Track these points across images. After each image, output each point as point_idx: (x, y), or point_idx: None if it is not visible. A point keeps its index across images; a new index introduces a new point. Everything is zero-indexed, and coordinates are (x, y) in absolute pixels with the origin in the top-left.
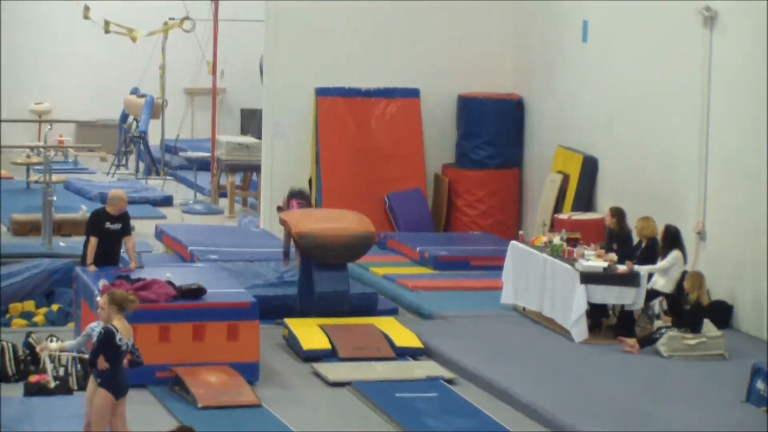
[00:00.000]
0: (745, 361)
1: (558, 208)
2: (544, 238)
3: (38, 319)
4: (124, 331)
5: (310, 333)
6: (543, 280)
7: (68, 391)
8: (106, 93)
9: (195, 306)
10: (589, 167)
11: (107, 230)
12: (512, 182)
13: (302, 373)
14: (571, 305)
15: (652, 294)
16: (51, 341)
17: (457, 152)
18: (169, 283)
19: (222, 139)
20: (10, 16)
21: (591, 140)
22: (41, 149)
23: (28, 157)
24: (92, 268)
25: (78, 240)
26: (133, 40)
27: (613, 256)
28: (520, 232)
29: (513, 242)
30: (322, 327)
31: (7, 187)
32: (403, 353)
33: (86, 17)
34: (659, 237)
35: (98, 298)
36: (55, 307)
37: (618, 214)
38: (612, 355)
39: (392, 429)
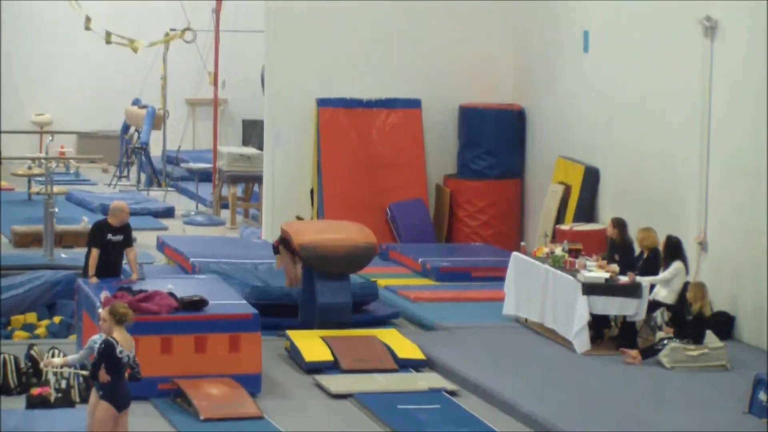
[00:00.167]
0: (747, 372)
1: (560, 218)
2: (546, 249)
3: (40, 331)
4: (125, 343)
5: (312, 344)
6: (545, 291)
7: (70, 404)
8: (107, 104)
9: (197, 318)
10: (591, 178)
11: (109, 242)
12: (514, 193)
13: (304, 384)
14: (573, 316)
15: (653, 305)
16: (53, 354)
17: (458, 162)
18: (171, 294)
19: (224, 150)
20: (12, 27)
21: (592, 151)
22: (43, 160)
23: (30, 168)
24: (94, 279)
25: (79, 251)
26: (135, 50)
27: (615, 267)
28: (522, 243)
29: (515, 253)
30: (324, 338)
31: (8, 198)
32: (405, 365)
33: (87, 28)
34: (661, 247)
35: (100, 310)
36: (56, 319)
37: (619, 224)
38: (614, 366)
39: None
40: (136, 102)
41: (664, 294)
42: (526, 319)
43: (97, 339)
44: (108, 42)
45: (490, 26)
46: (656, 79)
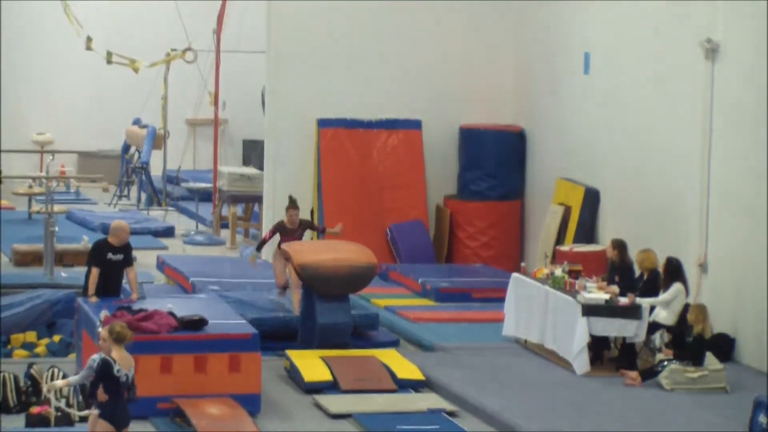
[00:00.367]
0: (747, 394)
1: (560, 239)
2: (546, 270)
3: (40, 349)
4: (123, 362)
5: (311, 364)
6: (545, 312)
7: (69, 423)
8: (108, 124)
9: (196, 337)
10: (591, 199)
11: (109, 261)
12: (514, 214)
13: (303, 404)
14: (572, 337)
15: (653, 326)
16: (52, 373)
17: (458, 183)
18: (171, 314)
19: (224, 170)
20: (13, 46)
21: (593, 172)
22: (43, 180)
23: (30, 187)
24: (94, 299)
25: (80, 270)
26: (135, 70)
27: (615, 288)
28: (522, 264)
29: (515, 274)
30: (323, 358)
31: (8, 217)
32: (405, 385)
33: (89, 48)
34: (661, 269)
35: (100, 330)
36: (56, 337)
37: (619, 246)
38: (614, 387)
39: None
40: (136, 122)
41: (664, 315)
42: (525, 340)
43: (96, 358)
44: (109, 62)
45: (491, 47)
46: (657, 101)
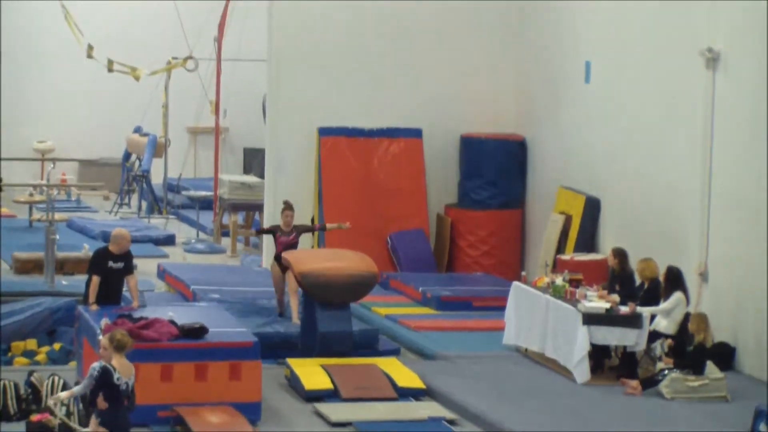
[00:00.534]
0: (748, 404)
1: (560, 248)
2: (547, 279)
3: (40, 357)
4: (123, 370)
5: (312, 373)
6: (545, 320)
7: (70, 431)
8: (108, 132)
9: (197, 345)
10: (592, 208)
11: (110, 269)
12: (515, 222)
13: (304, 412)
14: (573, 346)
15: (654, 335)
16: (53, 381)
17: (459, 192)
18: (172, 322)
19: (225, 178)
20: (14, 54)
21: (593, 181)
22: (44, 188)
23: (31, 195)
24: (94, 307)
25: (80, 278)
26: (136, 78)
27: (616, 297)
28: (523, 273)
29: (515, 283)
30: (324, 367)
31: (9, 225)
32: (405, 393)
33: (90, 56)
34: (661, 278)
35: (100, 338)
36: (57, 345)
37: (620, 254)
38: (614, 396)
39: None
40: (137, 130)
41: (665, 324)
42: (526, 349)
43: (96, 366)
44: (110, 70)
45: (492, 56)
46: (658, 110)
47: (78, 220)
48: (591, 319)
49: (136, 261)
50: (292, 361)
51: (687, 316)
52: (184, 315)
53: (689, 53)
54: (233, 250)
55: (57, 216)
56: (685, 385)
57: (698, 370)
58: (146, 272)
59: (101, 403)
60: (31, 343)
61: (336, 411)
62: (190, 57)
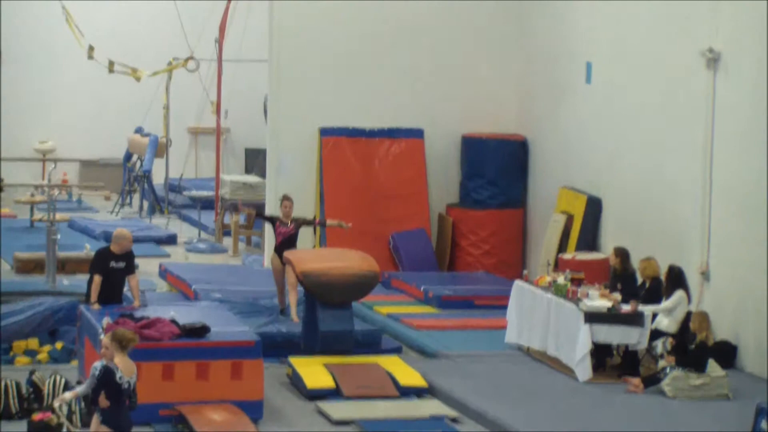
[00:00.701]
0: (749, 402)
1: (562, 247)
2: (548, 278)
3: (42, 356)
4: (125, 369)
5: (314, 371)
6: (547, 319)
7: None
8: (110, 132)
9: (199, 344)
10: (593, 207)
11: (111, 269)
12: (516, 222)
13: (306, 411)
14: (575, 345)
15: (655, 334)
16: (54, 380)
17: (461, 192)
18: (173, 321)
19: (226, 178)
20: (15, 55)
21: (595, 180)
22: (45, 188)
23: (32, 195)
24: (96, 306)
25: (81, 278)
26: (137, 79)
27: (618, 295)
28: (524, 272)
29: (517, 282)
30: (326, 366)
31: (11, 225)
32: (408, 392)
33: (91, 57)
34: (663, 277)
35: (102, 337)
36: (58, 345)
37: (622, 254)
38: (616, 394)
39: None
40: (138, 130)
41: (666, 323)
42: (528, 348)
43: (98, 366)
44: (111, 71)
45: (493, 56)
46: (659, 110)
47: (79, 220)
48: (593, 317)
49: (137, 261)
50: (294, 360)
51: (688, 314)
52: (185, 314)
53: (690, 53)
54: (235, 250)
55: (58, 216)
56: (687, 383)
57: (700, 368)
58: (148, 272)
59: (103, 401)
60: (33, 343)
61: (338, 409)
62: (191, 58)
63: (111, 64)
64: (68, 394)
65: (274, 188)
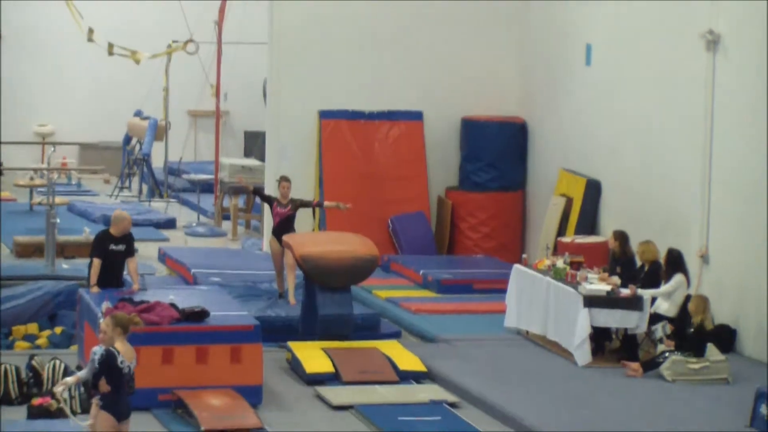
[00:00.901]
0: (749, 386)
1: (561, 231)
2: (548, 262)
3: (41, 341)
4: (126, 353)
5: (313, 356)
6: (546, 303)
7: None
8: (109, 115)
9: (198, 329)
10: (593, 190)
11: (112, 251)
12: (515, 205)
13: (305, 396)
14: (574, 328)
15: (655, 318)
16: (54, 365)
17: (460, 175)
18: (172, 305)
19: (225, 162)
20: (14, 38)
21: (594, 163)
22: (45, 171)
23: (32, 179)
24: (95, 289)
25: (81, 262)
26: (137, 62)
27: (617, 279)
28: (524, 255)
29: (516, 265)
30: (325, 350)
31: (10, 209)
32: (407, 376)
33: (90, 40)
34: (662, 260)
35: (101, 321)
36: (58, 329)
37: (621, 237)
38: (615, 378)
39: None
40: (138, 113)
41: (666, 307)
42: (527, 332)
43: (97, 350)
44: (110, 54)
45: (493, 39)
46: (658, 92)
47: (79, 204)
48: (592, 301)
49: (136, 244)
50: (294, 345)
51: (688, 298)
52: (185, 298)
53: (690, 35)
54: (234, 234)
55: (57, 200)
56: (687, 367)
57: (699, 352)
58: (147, 256)
59: (104, 386)
60: (32, 327)
61: (337, 394)
62: (190, 40)
63: (110, 46)
64: (70, 379)
65: (274, 171)
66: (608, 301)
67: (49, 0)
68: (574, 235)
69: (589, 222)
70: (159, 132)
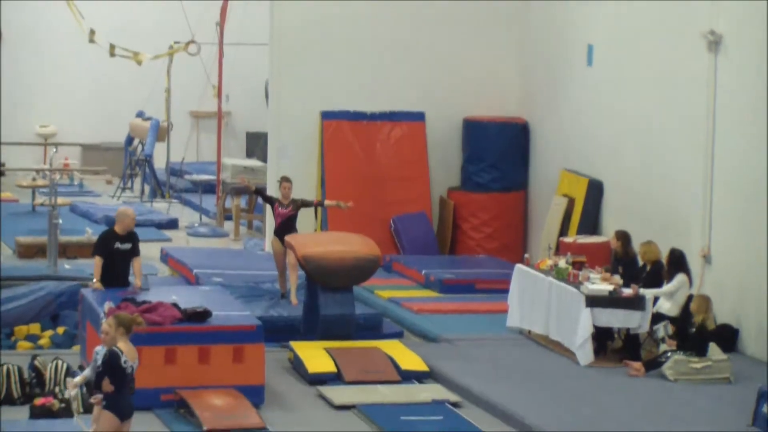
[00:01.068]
0: (751, 385)
1: (563, 231)
2: (550, 262)
3: (44, 341)
4: (129, 353)
5: (315, 356)
6: (548, 303)
7: (71, 415)
8: (111, 116)
9: (200, 329)
10: (595, 190)
11: (116, 250)
12: (517, 205)
13: (307, 396)
14: (576, 328)
15: (657, 317)
16: (56, 365)
17: (462, 175)
18: (175, 305)
19: (227, 162)
20: (16, 39)
21: (596, 163)
22: (47, 172)
23: (34, 179)
24: (98, 285)
25: (83, 263)
26: (139, 63)
27: (619, 279)
28: (526, 255)
29: (518, 265)
30: (327, 350)
31: (12, 209)
32: (409, 376)
33: (91, 41)
34: (664, 260)
35: (103, 321)
36: (60, 329)
37: (623, 237)
38: (617, 378)
39: None
40: (140, 114)
41: (668, 307)
42: (529, 331)
43: (99, 350)
44: (112, 55)
45: (494, 39)
46: (660, 93)
47: (81, 205)
48: (594, 301)
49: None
50: (296, 345)
51: (690, 298)
52: (187, 299)
53: (691, 36)
54: (236, 234)
55: (60, 200)
56: (689, 366)
57: (701, 351)
58: (149, 256)
59: (107, 386)
60: (35, 328)
61: (339, 394)
62: (192, 41)
63: (112, 47)
64: (78, 378)
65: (276, 172)
66: (610, 301)
67: (49, 0)
68: (576, 235)
69: (591, 222)
70: (161, 133)
